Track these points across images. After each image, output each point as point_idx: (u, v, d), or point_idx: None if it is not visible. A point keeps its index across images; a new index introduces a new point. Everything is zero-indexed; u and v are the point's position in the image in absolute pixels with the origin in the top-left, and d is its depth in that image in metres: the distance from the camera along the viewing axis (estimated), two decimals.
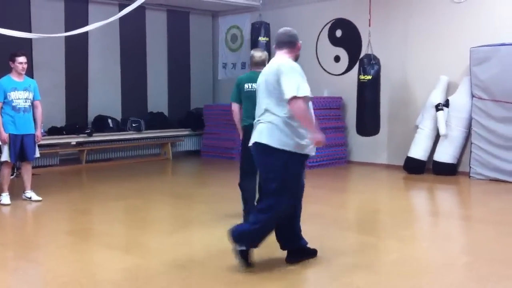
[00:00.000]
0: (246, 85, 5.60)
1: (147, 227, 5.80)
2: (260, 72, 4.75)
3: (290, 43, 4.33)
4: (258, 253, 4.34)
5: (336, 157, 9.98)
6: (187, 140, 11.82)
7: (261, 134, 4.17)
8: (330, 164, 9.83)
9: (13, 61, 6.74)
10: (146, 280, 4.02)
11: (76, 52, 10.48)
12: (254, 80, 5.19)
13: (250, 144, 4.30)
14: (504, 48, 7.97)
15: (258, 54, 5.87)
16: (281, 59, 4.27)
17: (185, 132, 11.72)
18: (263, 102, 4.24)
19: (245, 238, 4.18)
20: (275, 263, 4.38)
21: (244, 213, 5.56)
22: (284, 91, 4.05)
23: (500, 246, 4.90)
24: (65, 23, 10.10)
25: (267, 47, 10.60)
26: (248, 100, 5.42)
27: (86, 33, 9.84)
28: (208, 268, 4.27)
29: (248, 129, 5.02)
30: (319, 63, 10.67)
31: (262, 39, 10.51)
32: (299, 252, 4.45)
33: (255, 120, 4.34)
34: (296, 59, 4.37)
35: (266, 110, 4.18)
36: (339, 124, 10.17)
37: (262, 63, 5.69)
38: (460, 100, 8.54)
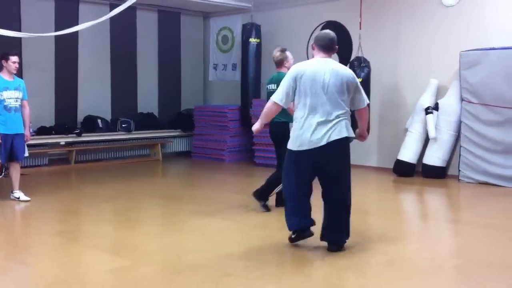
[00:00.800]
0: (267, 86, 6.21)
1: (136, 229, 5.77)
2: (281, 72, 5.83)
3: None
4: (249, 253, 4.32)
5: None
6: (177, 141, 11.79)
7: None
8: None
9: (6, 60, 6.70)
10: (134, 282, 4.00)
11: (66, 52, 10.43)
12: (273, 81, 6.04)
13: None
14: (494, 52, 8.02)
15: (275, 54, 6.22)
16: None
17: (175, 133, 11.69)
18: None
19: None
20: (266, 268, 4.38)
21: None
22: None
23: (488, 248, 4.93)
24: (55, 22, 10.06)
25: (258, 49, 10.63)
26: None
27: (76, 32, 9.80)
28: (197, 270, 4.26)
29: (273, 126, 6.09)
30: None
31: (253, 40, 10.53)
32: None
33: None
34: None
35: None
36: None
37: (279, 63, 6.15)
38: (450, 103, 8.58)
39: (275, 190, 6.20)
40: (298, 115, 4.64)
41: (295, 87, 4.64)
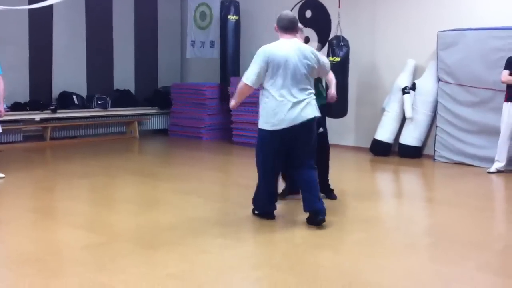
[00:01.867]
0: None
1: (112, 206, 5.74)
2: None
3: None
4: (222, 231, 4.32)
5: None
6: (154, 118, 11.70)
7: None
8: None
9: None
10: (110, 259, 3.98)
11: (40, 27, 10.22)
12: None
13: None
14: (470, 33, 8.07)
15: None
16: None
17: (152, 110, 11.59)
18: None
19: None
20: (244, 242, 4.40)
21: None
22: None
23: (462, 227, 5.01)
24: None
25: (236, 26, 10.54)
26: None
27: (51, 7, 9.60)
28: (173, 247, 4.26)
29: None
30: None
31: (231, 17, 10.43)
32: None
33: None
34: None
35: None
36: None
37: None
38: (427, 83, 8.64)
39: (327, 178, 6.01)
40: (271, 95, 4.80)
41: (267, 69, 4.76)
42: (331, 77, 5.68)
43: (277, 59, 4.72)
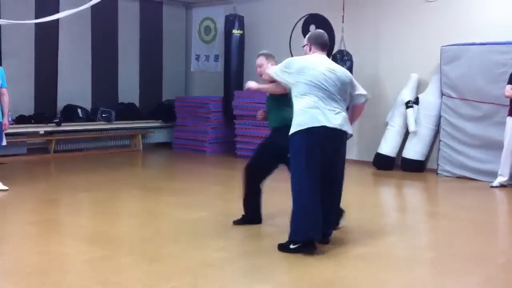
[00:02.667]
0: None
1: (115, 219, 5.75)
2: None
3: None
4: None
5: None
6: (158, 132, 11.73)
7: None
8: None
9: None
10: (113, 272, 3.99)
11: (46, 40, 10.30)
12: None
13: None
14: (474, 47, 8.10)
15: None
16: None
17: (156, 123, 11.63)
18: None
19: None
20: (247, 255, 4.39)
21: None
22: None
23: (465, 242, 5.00)
24: (35, 9, 9.93)
25: (241, 40, 10.60)
26: None
27: (57, 20, 9.68)
28: (176, 260, 4.26)
29: None
30: (293, 57, 10.68)
31: (236, 32, 10.49)
32: None
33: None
34: None
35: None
36: None
37: None
38: (430, 98, 8.66)
39: None
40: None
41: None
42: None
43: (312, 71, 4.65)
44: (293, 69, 4.61)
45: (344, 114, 4.55)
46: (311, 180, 4.41)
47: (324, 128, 4.38)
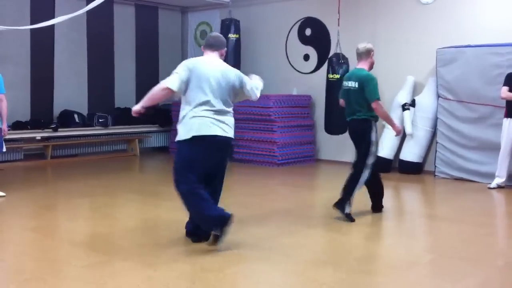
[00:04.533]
0: (344, 83, 5.97)
1: (112, 224, 5.74)
2: (362, 69, 5.98)
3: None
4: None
5: (304, 155, 10.04)
6: (155, 136, 11.73)
7: None
8: (298, 162, 9.88)
9: None
10: (111, 277, 3.98)
11: (42, 46, 10.30)
12: (352, 78, 5.89)
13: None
14: (469, 49, 8.12)
15: (362, 45, 6.10)
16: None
17: (153, 128, 11.62)
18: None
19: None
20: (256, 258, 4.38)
21: None
22: None
23: (463, 243, 5.00)
24: (31, 15, 9.92)
25: (237, 45, 10.60)
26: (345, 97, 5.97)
27: (53, 26, 9.68)
28: (173, 265, 4.25)
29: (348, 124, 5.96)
30: (289, 61, 10.70)
31: (232, 36, 10.49)
32: None
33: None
34: None
35: None
36: (307, 122, 10.22)
37: (365, 54, 6.08)
38: (426, 100, 8.67)
39: (354, 193, 5.81)
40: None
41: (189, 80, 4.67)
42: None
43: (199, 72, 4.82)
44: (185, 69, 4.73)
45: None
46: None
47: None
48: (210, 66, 4.70)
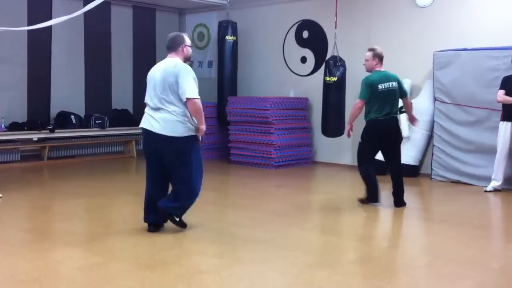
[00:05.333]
0: (379, 86, 6.34)
1: (108, 226, 5.73)
2: (387, 71, 6.55)
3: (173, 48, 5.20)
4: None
5: (301, 157, 10.04)
6: None
7: None
8: (295, 164, 9.88)
9: None
10: (107, 279, 3.97)
11: (39, 47, 10.29)
12: (389, 79, 6.42)
13: None
14: (466, 53, 8.14)
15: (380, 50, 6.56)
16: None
17: None
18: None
19: None
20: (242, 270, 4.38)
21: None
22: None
23: (459, 246, 5.01)
24: (28, 16, 9.92)
25: (234, 47, 10.61)
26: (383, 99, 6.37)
27: (50, 27, 9.68)
28: (169, 267, 4.25)
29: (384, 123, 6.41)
30: (286, 63, 10.71)
31: (229, 38, 10.51)
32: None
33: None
34: (185, 61, 5.18)
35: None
36: (304, 124, 10.23)
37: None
38: (423, 103, 8.68)
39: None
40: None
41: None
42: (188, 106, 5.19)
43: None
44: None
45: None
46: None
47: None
48: (155, 69, 5.22)
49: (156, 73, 5.10)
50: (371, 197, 6.55)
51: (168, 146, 4.99)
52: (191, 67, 5.16)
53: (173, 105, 4.95)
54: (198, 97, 5.01)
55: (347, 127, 6.68)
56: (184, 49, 5.19)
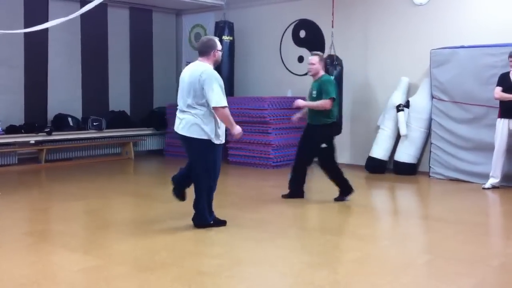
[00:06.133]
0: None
1: (107, 228, 5.71)
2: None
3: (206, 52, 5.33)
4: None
5: None
6: (149, 139, 11.70)
7: None
8: None
9: None
10: (106, 282, 3.96)
11: (36, 49, 10.27)
12: None
13: None
14: (463, 50, 8.14)
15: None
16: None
17: (148, 131, 11.60)
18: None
19: None
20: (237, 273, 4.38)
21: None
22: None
23: (458, 244, 5.01)
24: (25, 19, 9.90)
25: (231, 47, 10.60)
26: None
27: (46, 29, 9.64)
28: (169, 268, 4.24)
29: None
30: (283, 63, 10.71)
31: (226, 38, 10.49)
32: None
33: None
34: (214, 65, 5.34)
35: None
36: (302, 124, 10.19)
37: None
38: (420, 101, 8.69)
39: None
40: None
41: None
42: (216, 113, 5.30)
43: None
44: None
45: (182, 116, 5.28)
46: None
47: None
48: (185, 72, 5.37)
49: (185, 77, 5.30)
50: (349, 189, 6.71)
51: (185, 144, 5.35)
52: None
53: (196, 109, 5.18)
54: (224, 104, 5.14)
55: (300, 114, 7.09)
56: (216, 54, 5.34)
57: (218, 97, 5.09)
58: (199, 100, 5.14)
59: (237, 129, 5.38)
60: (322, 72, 6.59)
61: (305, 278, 4.05)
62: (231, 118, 5.29)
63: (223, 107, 5.14)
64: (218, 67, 11.38)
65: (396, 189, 8.14)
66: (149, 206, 6.76)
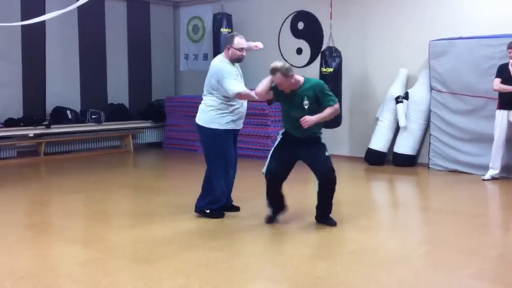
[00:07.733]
0: None
1: (106, 221, 5.72)
2: None
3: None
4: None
5: None
6: (148, 132, 11.69)
7: None
8: None
9: None
10: (105, 275, 3.96)
11: (33, 42, 10.22)
12: None
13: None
14: (462, 42, 8.12)
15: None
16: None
17: (147, 124, 11.59)
18: None
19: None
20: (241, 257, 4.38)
21: None
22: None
23: (457, 235, 5.01)
24: (21, 11, 9.84)
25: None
26: None
27: (44, 23, 9.61)
28: (168, 261, 4.24)
29: None
30: (282, 55, 10.68)
31: (224, 30, 10.45)
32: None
33: None
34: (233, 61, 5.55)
35: None
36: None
37: None
38: (419, 92, 8.67)
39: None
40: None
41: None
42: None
43: None
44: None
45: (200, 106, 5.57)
46: None
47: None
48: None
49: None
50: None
51: (197, 132, 5.62)
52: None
53: (208, 97, 5.50)
54: (236, 91, 5.32)
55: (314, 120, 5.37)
56: (230, 49, 5.50)
57: (229, 87, 5.31)
58: (208, 89, 5.47)
59: (258, 89, 5.29)
60: (301, 78, 5.45)
61: (304, 269, 4.06)
62: (249, 95, 5.46)
63: (236, 94, 5.36)
64: None
65: (396, 181, 8.14)
66: (148, 199, 6.76)
